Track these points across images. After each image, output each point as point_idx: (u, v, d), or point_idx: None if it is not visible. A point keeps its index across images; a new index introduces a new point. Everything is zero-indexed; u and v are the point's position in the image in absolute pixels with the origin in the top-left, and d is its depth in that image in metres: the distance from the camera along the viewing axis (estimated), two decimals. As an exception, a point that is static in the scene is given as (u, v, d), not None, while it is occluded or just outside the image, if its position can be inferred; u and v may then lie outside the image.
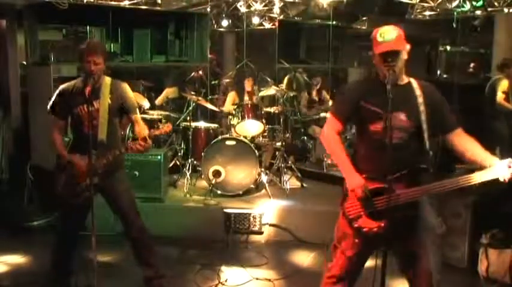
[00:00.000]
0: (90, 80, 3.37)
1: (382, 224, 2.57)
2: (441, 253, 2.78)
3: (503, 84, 6.51)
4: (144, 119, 6.01)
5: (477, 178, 2.51)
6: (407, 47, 2.66)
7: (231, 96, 6.50)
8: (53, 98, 3.59)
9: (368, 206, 2.63)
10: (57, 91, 3.58)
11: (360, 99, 2.70)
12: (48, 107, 3.60)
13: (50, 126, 3.61)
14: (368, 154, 2.74)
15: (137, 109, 3.69)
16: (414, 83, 2.72)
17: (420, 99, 2.66)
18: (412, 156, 2.64)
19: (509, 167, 2.47)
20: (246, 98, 6.37)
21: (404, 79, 2.71)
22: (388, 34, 2.63)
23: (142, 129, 3.61)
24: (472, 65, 10.85)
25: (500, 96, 6.49)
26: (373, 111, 2.65)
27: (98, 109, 3.47)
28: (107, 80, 3.56)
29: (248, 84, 6.47)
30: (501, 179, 2.48)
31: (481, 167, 2.56)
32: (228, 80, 7.58)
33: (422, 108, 2.64)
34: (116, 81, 3.64)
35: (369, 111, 2.67)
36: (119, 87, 3.60)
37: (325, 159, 6.50)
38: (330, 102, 7.60)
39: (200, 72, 7.46)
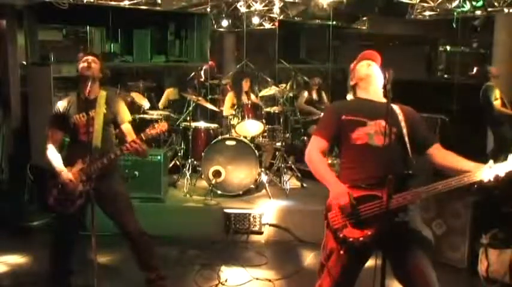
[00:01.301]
0: (89, 79, 3.42)
1: (369, 233, 2.50)
2: (432, 259, 2.70)
3: (495, 92, 6.56)
4: (144, 119, 6.07)
5: (471, 177, 2.51)
6: (383, 81, 2.64)
7: (229, 98, 6.50)
8: (52, 113, 3.69)
9: (353, 214, 2.57)
10: (54, 108, 3.68)
11: (341, 114, 2.77)
12: (49, 119, 3.69)
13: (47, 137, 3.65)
14: (352, 163, 2.74)
15: (129, 122, 3.72)
16: (395, 106, 2.79)
17: (401, 117, 2.75)
18: (396, 160, 2.62)
19: (490, 167, 2.49)
20: (245, 98, 6.36)
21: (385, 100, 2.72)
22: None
23: None
24: (475, 69, 10.83)
25: (496, 104, 6.53)
26: (355, 120, 2.73)
27: (93, 117, 3.52)
28: (103, 92, 3.66)
29: (246, 85, 6.47)
30: (485, 181, 2.49)
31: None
32: (227, 81, 7.58)
33: (403, 124, 2.73)
34: (111, 93, 3.78)
35: (351, 121, 2.74)
36: (113, 99, 3.72)
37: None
38: (327, 102, 7.66)
39: (202, 79, 7.47)
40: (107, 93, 3.67)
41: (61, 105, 3.65)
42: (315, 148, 2.79)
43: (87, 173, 3.40)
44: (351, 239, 2.54)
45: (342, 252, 2.60)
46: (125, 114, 3.70)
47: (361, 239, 2.52)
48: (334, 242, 2.64)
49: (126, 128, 3.68)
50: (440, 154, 2.75)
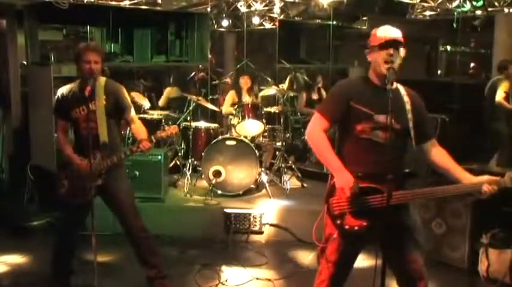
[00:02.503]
0: (90, 80, 3.38)
1: (364, 224, 2.55)
2: (421, 240, 2.75)
3: (504, 85, 6.51)
4: (144, 119, 6.07)
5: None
6: (404, 52, 2.66)
7: (230, 96, 6.50)
8: (54, 102, 3.68)
9: (355, 204, 2.59)
10: (56, 95, 3.64)
11: (349, 99, 2.67)
12: (53, 109, 3.68)
13: (55, 127, 3.66)
14: (353, 154, 2.70)
15: (132, 108, 3.69)
16: (402, 89, 2.74)
17: (408, 106, 2.69)
18: (399, 157, 2.65)
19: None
20: (246, 97, 6.35)
21: (394, 84, 2.68)
22: (391, 30, 2.68)
23: (140, 128, 3.62)
24: (472, 65, 10.85)
25: (500, 96, 6.47)
26: (362, 111, 2.64)
27: (95, 111, 3.46)
28: (101, 80, 3.57)
29: (244, 82, 6.44)
30: (482, 191, 2.53)
31: (455, 179, 2.63)
32: (227, 80, 7.60)
33: (410, 115, 2.67)
34: (110, 81, 3.65)
35: (358, 111, 2.65)
36: (113, 87, 3.61)
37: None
38: None
39: (201, 73, 7.48)
40: (106, 81, 3.57)
41: (61, 93, 3.58)
42: (317, 126, 2.71)
43: (96, 169, 3.40)
44: (346, 227, 2.59)
45: (334, 235, 2.66)
46: (127, 103, 3.62)
47: (356, 228, 2.57)
48: (334, 228, 2.67)
49: (131, 116, 3.64)
50: (437, 153, 2.74)
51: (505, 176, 2.52)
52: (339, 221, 2.61)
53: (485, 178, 2.55)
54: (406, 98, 2.70)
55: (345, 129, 2.75)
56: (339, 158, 2.68)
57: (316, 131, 2.70)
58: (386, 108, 2.48)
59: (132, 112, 3.67)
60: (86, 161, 3.39)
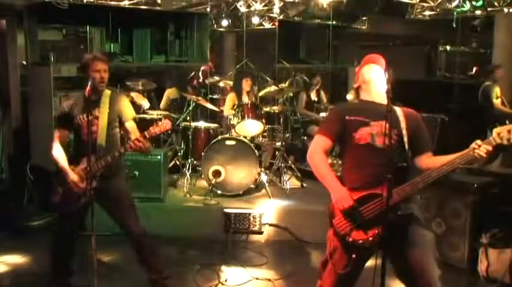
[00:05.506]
0: (99, 88, 3.50)
1: (377, 231, 2.54)
2: (435, 253, 2.75)
3: (496, 91, 6.56)
4: (144, 119, 6.07)
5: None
6: (386, 85, 2.67)
7: (230, 98, 6.50)
8: (58, 114, 3.76)
9: (357, 217, 2.61)
10: (60, 109, 3.72)
11: (345, 115, 2.79)
12: (55, 116, 3.73)
13: (52, 137, 3.69)
14: (354, 163, 2.76)
15: (133, 120, 3.73)
16: (399, 111, 2.81)
17: (402, 119, 2.76)
18: (396, 161, 2.64)
19: (477, 144, 2.52)
20: (246, 98, 6.37)
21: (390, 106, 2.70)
22: None
23: (134, 134, 3.64)
24: (474, 69, 10.83)
25: (496, 103, 6.52)
26: (358, 120, 2.74)
27: (98, 117, 3.54)
28: (107, 91, 3.66)
29: (246, 84, 6.48)
30: (477, 156, 2.51)
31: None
32: (227, 81, 7.60)
33: (403, 126, 2.73)
34: (115, 93, 3.76)
35: (354, 121, 2.75)
36: (117, 98, 3.70)
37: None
38: (326, 102, 7.62)
39: (200, 80, 7.50)
40: (111, 93, 3.67)
41: (67, 105, 3.65)
42: (318, 147, 2.80)
43: (90, 173, 3.39)
44: (360, 242, 2.59)
45: (348, 254, 2.64)
46: (128, 112, 3.70)
47: (370, 239, 2.56)
48: (338, 241, 2.67)
49: (130, 125, 3.67)
50: (430, 161, 2.74)
51: (493, 133, 2.50)
52: (351, 239, 2.61)
53: (474, 143, 2.54)
54: (400, 112, 2.78)
55: (345, 142, 2.81)
56: (343, 170, 2.80)
57: (318, 153, 2.79)
58: (382, 116, 2.54)
59: (132, 124, 3.70)
60: (77, 174, 3.44)
